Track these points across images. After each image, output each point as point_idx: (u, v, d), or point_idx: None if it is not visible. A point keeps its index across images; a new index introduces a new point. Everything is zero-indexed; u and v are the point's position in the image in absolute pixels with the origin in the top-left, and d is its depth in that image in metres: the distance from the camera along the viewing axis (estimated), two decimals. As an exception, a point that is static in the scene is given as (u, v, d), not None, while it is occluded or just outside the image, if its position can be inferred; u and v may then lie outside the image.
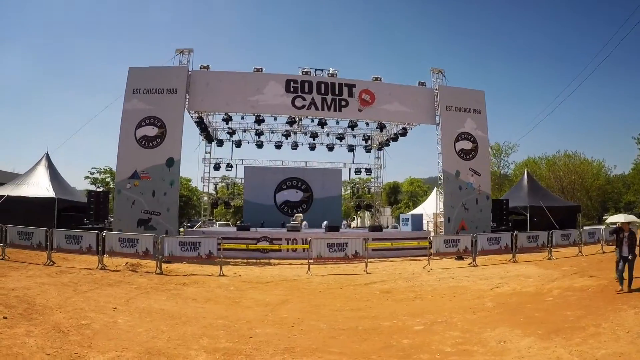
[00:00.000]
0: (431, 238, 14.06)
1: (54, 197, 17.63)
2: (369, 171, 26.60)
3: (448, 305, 7.88)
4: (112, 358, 4.66)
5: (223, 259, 12.05)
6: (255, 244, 15.76)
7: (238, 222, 26.37)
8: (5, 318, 5.76)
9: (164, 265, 11.95)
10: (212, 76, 17.52)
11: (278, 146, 24.22)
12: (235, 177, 26.28)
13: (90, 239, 11.61)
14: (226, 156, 25.01)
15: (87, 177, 40.61)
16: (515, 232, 15.04)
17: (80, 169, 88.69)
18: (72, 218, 16.88)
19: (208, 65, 17.53)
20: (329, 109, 18.01)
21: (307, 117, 20.51)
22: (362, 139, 24.58)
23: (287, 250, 15.70)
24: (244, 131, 23.43)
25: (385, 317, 7.00)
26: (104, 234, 11.71)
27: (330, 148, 24.87)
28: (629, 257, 8.02)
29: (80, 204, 17.16)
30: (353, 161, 25.96)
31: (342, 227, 24.66)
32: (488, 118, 19.59)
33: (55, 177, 18.94)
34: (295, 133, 24.05)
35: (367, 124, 21.44)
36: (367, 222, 29.65)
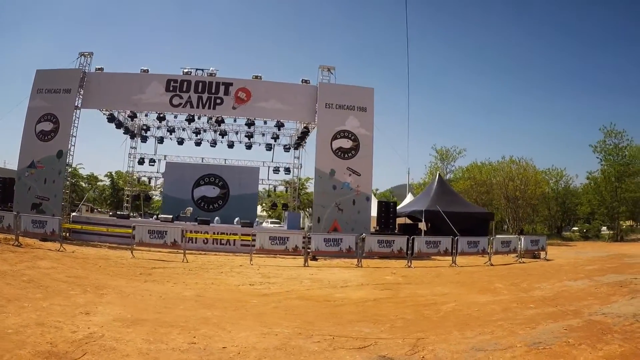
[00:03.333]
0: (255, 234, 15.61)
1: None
2: (287, 170, 29.21)
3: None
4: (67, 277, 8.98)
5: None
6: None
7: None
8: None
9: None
10: (104, 77, 21.58)
11: (197, 143, 27.95)
12: (158, 172, 30.09)
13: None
14: (151, 152, 28.93)
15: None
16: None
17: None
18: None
19: (102, 68, 21.65)
20: (203, 107, 21.17)
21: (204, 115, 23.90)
22: (271, 138, 27.51)
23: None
24: (157, 128, 27.52)
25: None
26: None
27: (249, 147, 28.15)
28: None
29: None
30: (272, 160, 28.88)
31: (255, 224, 27.74)
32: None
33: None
34: (205, 130, 27.52)
35: (265, 122, 24.73)
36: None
